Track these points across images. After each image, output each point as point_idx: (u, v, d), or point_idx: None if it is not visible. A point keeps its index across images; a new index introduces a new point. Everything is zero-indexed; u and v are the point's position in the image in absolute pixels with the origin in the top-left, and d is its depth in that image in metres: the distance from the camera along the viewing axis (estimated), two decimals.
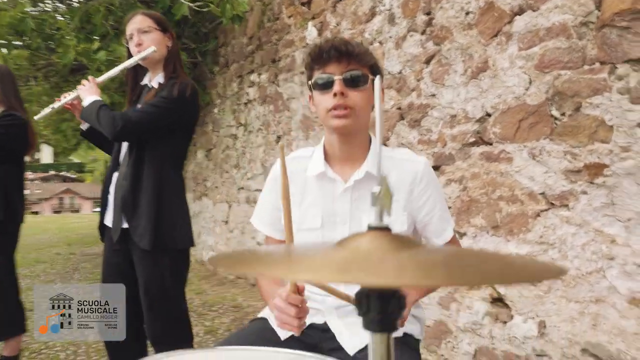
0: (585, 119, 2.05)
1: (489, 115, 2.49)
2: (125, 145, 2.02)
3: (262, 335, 1.22)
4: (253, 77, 5.14)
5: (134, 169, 1.90)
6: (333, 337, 1.22)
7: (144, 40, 1.95)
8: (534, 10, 2.25)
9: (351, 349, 1.18)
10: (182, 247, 1.95)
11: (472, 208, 2.57)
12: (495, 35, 2.44)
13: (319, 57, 1.21)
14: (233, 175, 5.68)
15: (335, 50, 1.19)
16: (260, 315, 1.36)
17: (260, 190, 4.71)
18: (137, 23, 1.96)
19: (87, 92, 1.97)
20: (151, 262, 1.89)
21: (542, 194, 2.22)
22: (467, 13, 2.58)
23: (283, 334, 1.22)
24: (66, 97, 2.08)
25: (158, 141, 1.93)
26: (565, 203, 2.12)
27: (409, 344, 1.24)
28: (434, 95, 2.81)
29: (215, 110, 6.21)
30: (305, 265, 0.47)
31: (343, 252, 0.47)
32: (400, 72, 3.06)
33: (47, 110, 2.18)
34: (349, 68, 1.20)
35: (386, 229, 0.49)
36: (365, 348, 1.11)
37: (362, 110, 1.23)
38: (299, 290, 1.02)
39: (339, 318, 1.23)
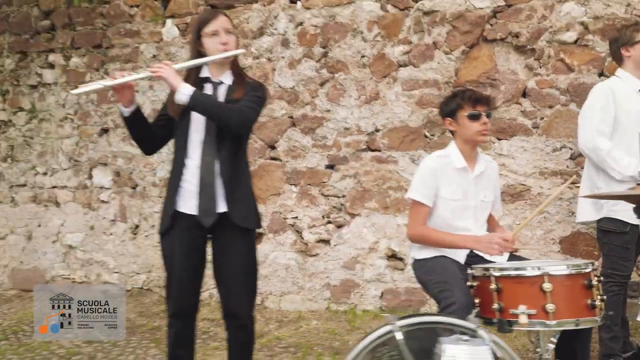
0: (447, 139, 3.43)
1: (378, 130, 3.60)
2: (196, 136, 2.08)
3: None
4: (53, 57, 4.49)
5: (230, 159, 2.04)
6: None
7: (229, 40, 2.10)
8: (415, 67, 3.51)
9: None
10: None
11: (365, 195, 3.61)
12: (385, 77, 3.58)
13: (473, 99, 2.05)
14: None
15: (484, 99, 2.08)
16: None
17: (66, 187, 4.29)
18: (224, 23, 2.08)
19: (177, 79, 1.95)
20: (250, 241, 2.08)
21: None
22: (363, 56, 3.62)
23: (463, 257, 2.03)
24: (131, 75, 1.94)
25: (246, 134, 2.14)
26: None
27: None
28: (329, 110, 3.69)
29: None
30: None
31: None
32: (292, 88, 3.77)
33: (93, 86, 1.93)
34: (488, 109, 2.10)
35: None
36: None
37: None
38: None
39: None
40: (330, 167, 3.69)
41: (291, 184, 3.79)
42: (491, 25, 3.34)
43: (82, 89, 1.93)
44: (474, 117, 2.07)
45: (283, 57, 3.79)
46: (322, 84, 3.71)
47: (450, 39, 3.42)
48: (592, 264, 1.62)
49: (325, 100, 3.69)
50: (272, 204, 3.82)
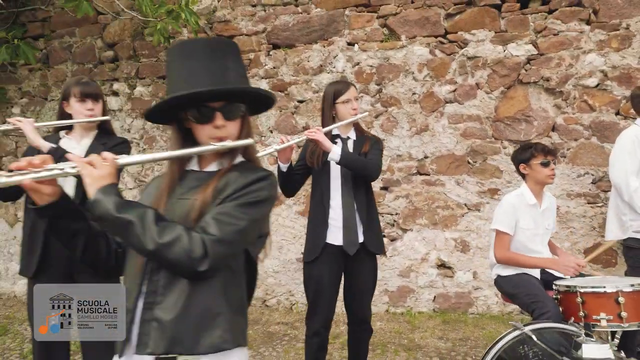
0: (488, 167, 4.06)
1: (427, 157, 4.18)
2: (335, 182, 2.61)
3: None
4: (117, 85, 4.90)
5: (364, 199, 2.59)
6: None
7: (357, 106, 2.65)
8: (459, 104, 4.10)
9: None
10: None
11: (416, 213, 4.19)
12: (433, 111, 4.16)
13: (545, 151, 2.64)
14: None
15: (552, 151, 2.67)
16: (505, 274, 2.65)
17: None
18: (354, 92, 2.64)
19: (328, 142, 2.49)
20: (375, 262, 2.64)
21: (465, 204, 4.10)
22: (414, 93, 4.19)
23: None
24: (293, 140, 2.48)
25: None
26: (478, 208, 4.08)
27: None
28: (383, 139, 4.25)
29: (16, 111, 5.19)
30: None
31: None
32: None
33: (267, 151, 2.43)
34: (555, 159, 2.70)
35: None
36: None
37: None
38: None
39: None
40: (385, 188, 4.25)
41: None
42: (526, 70, 3.96)
43: (260, 153, 2.45)
44: (545, 165, 2.67)
45: None
46: (376, 116, 4.26)
47: (490, 81, 4.03)
48: None
49: (380, 130, 4.25)
50: None
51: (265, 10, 4.49)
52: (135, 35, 4.86)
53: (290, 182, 2.68)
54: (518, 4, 3.96)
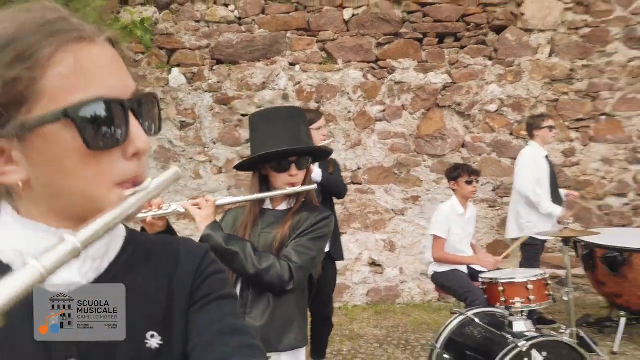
0: (411, 177, 4.73)
1: (360, 168, 4.73)
2: None
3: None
4: None
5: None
6: None
7: (326, 132, 3.08)
8: (388, 122, 4.71)
9: None
10: None
11: (351, 218, 4.73)
12: (365, 128, 4.72)
13: (470, 171, 3.28)
14: None
15: (476, 172, 3.32)
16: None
17: None
18: (323, 121, 3.06)
19: None
20: (336, 269, 3.09)
21: (392, 209, 4.73)
22: (349, 111, 4.71)
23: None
24: None
25: None
26: (403, 213, 4.73)
27: None
28: None
29: None
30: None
31: None
32: None
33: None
34: (477, 178, 3.36)
35: None
36: None
37: None
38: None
39: None
40: None
41: None
42: (442, 95, 4.69)
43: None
44: (469, 183, 3.33)
45: None
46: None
47: (414, 103, 4.69)
48: (545, 273, 2.98)
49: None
50: None
51: (209, 27, 4.68)
52: None
53: None
54: (436, 39, 4.66)
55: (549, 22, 4.58)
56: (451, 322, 2.64)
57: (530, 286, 2.84)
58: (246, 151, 4.69)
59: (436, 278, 3.37)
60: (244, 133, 4.70)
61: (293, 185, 1.55)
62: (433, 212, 4.62)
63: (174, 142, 4.71)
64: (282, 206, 1.63)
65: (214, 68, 4.70)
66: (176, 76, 4.71)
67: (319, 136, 3.01)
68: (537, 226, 3.78)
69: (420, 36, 4.66)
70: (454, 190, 3.44)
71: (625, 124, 4.70)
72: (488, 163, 4.72)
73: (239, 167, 1.63)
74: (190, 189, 4.59)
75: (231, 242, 1.40)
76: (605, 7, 4.65)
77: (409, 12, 4.63)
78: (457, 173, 3.37)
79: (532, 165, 3.82)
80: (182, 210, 1.41)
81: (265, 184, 1.60)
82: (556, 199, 3.86)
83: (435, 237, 3.31)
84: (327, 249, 2.95)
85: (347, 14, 4.65)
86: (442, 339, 2.57)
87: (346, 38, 4.67)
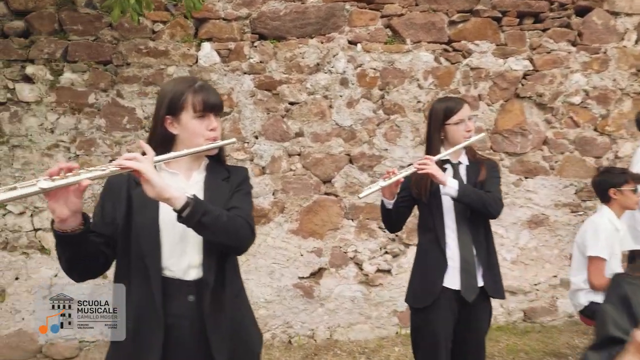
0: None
1: None
2: (450, 211, 2.22)
3: None
4: (32, 69, 3.60)
5: (483, 238, 2.24)
6: None
7: (472, 126, 2.29)
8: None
9: None
10: None
11: None
12: None
13: (637, 178, 2.64)
14: None
15: (637, 177, 2.68)
16: None
17: None
18: (468, 111, 2.27)
19: (443, 175, 2.10)
20: (491, 309, 2.31)
21: None
22: (418, 101, 3.96)
23: None
24: (400, 173, 2.06)
25: None
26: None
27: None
28: (386, 149, 3.94)
29: None
30: None
31: None
32: (350, 126, 3.89)
33: (373, 188, 1.99)
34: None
35: None
36: None
37: None
38: None
39: None
40: None
41: (349, 219, 3.91)
42: (522, 84, 4.06)
43: (367, 191, 1.98)
44: (634, 191, 2.69)
45: (341, 96, 3.86)
46: (378, 124, 3.92)
47: (491, 93, 4.03)
48: None
49: (383, 140, 3.92)
50: (331, 238, 3.89)
51: None
52: (61, 3, 3.63)
53: (396, 218, 2.28)
54: (517, 19, 4.03)
55: (637, 5, 4.10)
56: None
57: None
58: (295, 147, 3.82)
59: (594, 310, 2.69)
60: (294, 125, 3.82)
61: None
62: (510, 218, 4.00)
63: None
64: None
65: (256, 44, 3.78)
66: (207, 53, 3.73)
67: (461, 132, 2.24)
68: None
69: (499, 15, 4.01)
70: (609, 199, 2.79)
71: None
72: (571, 162, 4.16)
73: None
74: None
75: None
76: None
77: None
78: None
79: None
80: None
81: None
82: None
83: (594, 259, 2.64)
84: (480, 283, 2.21)
85: None
86: None
87: (415, 13, 3.92)
